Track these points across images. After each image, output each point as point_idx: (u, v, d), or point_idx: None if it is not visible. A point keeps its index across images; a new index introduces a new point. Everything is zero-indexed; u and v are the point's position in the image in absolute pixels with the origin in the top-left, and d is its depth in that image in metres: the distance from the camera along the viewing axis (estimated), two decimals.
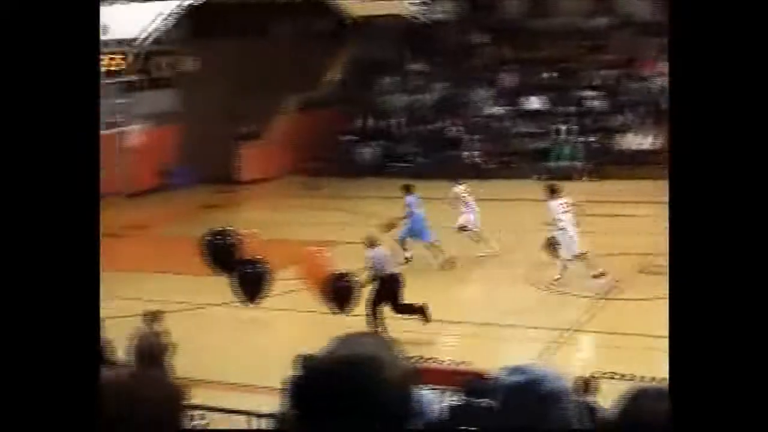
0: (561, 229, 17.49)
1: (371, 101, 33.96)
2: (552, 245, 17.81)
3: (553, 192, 17.99)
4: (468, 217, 20.06)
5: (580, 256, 17.57)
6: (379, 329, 14.90)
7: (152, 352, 12.24)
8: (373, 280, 15.53)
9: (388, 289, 15.44)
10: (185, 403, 2.26)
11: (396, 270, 15.91)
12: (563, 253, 17.60)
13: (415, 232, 19.71)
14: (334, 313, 15.53)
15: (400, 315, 15.35)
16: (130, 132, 24.88)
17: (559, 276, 17.66)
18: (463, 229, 20.07)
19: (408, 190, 20.19)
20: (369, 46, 36.66)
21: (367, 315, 15.24)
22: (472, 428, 10.57)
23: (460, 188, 20.63)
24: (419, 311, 15.42)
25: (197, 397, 12.84)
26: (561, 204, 17.71)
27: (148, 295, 18.47)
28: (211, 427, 12.33)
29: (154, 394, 2.19)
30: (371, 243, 15.93)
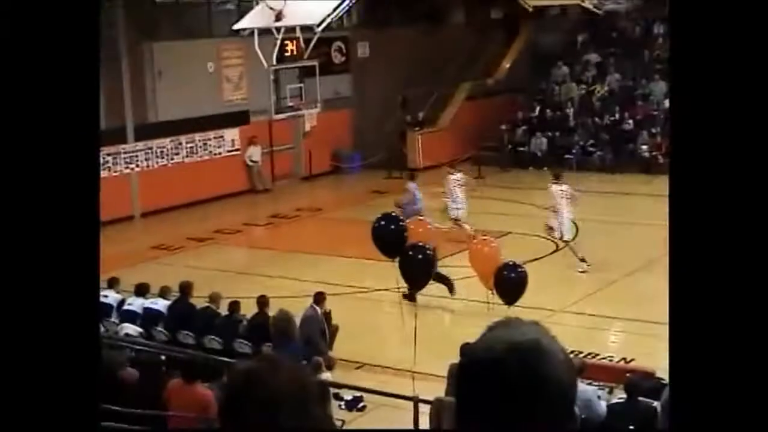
0: (555, 212, 19.35)
1: (544, 91, 33.55)
2: (550, 228, 19.70)
3: (557, 178, 19.86)
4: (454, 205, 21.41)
5: (568, 241, 19.54)
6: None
7: (285, 330, 12.65)
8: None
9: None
10: (312, 389, 2.24)
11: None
12: (557, 235, 19.58)
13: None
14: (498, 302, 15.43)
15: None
16: (304, 116, 25.31)
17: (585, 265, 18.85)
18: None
19: (412, 177, 21.83)
20: (544, 35, 36.23)
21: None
22: (632, 427, 10.33)
23: (456, 176, 21.74)
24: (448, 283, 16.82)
25: (359, 379, 13.03)
26: (561, 190, 19.28)
27: (316, 277, 18.83)
28: (372, 408, 12.47)
29: (277, 379, 2.18)
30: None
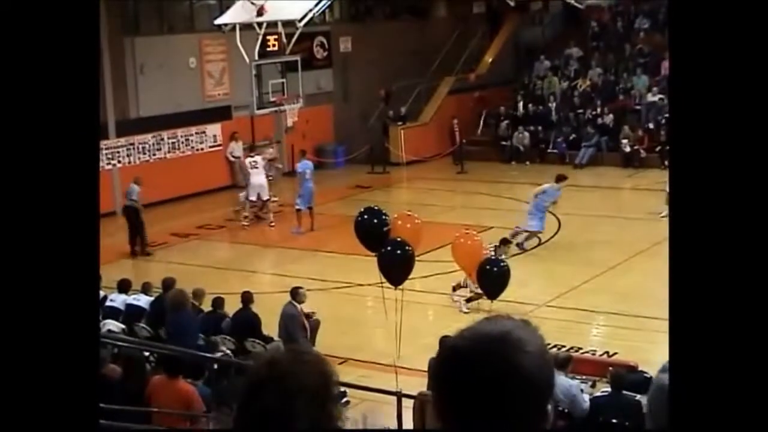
0: (252, 178, 23.39)
1: (527, 85, 33.57)
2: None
3: (251, 150, 24.98)
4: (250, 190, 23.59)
5: (265, 202, 23.72)
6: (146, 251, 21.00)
7: (179, 301, 13.21)
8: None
9: (129, 216, 21.26)
10: (333, 385, 2.24)
11: (128, 204, 21.32)
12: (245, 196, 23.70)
13: (304, 198, 22.69)
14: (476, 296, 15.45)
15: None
16: (288, 111, 25.24)
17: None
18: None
19: (303, 154, 23.77)
20: (526, 29, 36.26)
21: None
22: (615, 421, 10.35)
23: (253, 158, 23.85)
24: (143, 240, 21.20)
25: (342, 374, 13.02)
26: (252, 161, 23.61)
27: (299, 272, 18.80)
28: (355, 404, 12.45)
29: (301, 370, 2.19)
30: (134, 180, 21.44)
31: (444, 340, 10.90)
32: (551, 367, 1.99)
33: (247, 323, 13.97)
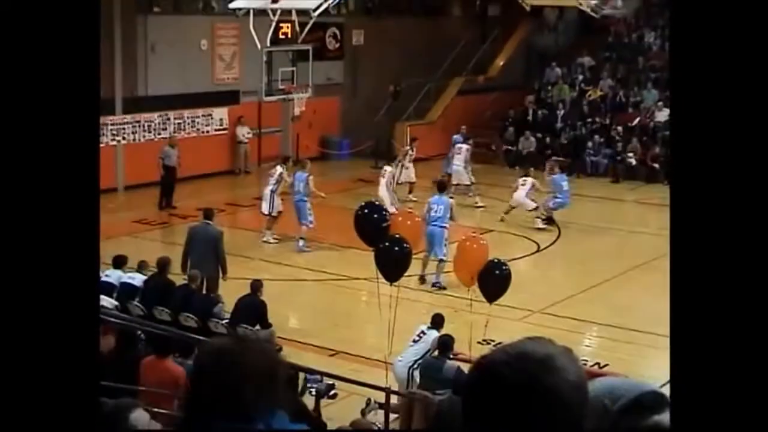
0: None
1: (537, 91, 33.51)
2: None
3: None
4: None
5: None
6: None
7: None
8: None
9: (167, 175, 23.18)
10: (281, 371, 2.27)
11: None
12: None
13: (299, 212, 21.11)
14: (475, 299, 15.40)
15: None
16: (296, 101, 25.20)
17: None
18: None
19: (302, 166, 22.17)
20: (540, 35, 36.20)
21: None
22: None
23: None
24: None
25: (333, 366, 13.01)
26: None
27: (296, 262, 18.80)
28: (343, 396, 12.45)
29: (246, 358, 2.23)
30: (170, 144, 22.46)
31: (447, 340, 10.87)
32: (587, 396, 1.99)
33: (253, 309, 13.84)
